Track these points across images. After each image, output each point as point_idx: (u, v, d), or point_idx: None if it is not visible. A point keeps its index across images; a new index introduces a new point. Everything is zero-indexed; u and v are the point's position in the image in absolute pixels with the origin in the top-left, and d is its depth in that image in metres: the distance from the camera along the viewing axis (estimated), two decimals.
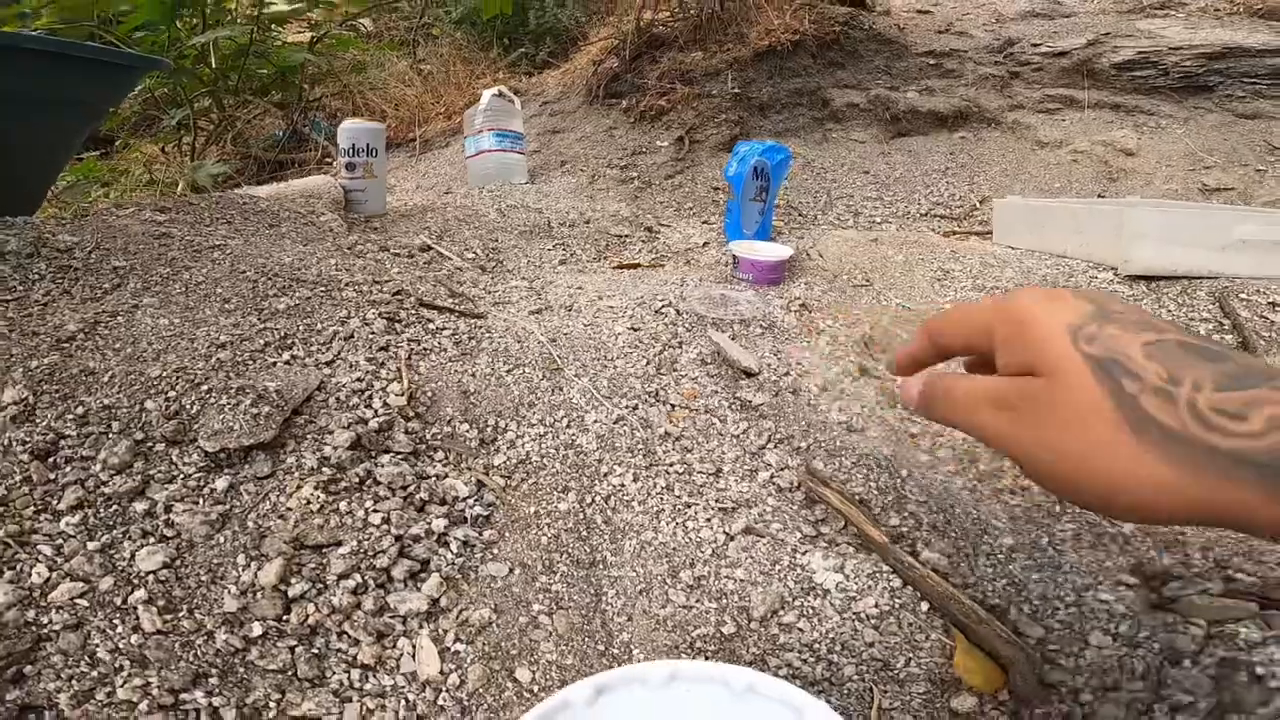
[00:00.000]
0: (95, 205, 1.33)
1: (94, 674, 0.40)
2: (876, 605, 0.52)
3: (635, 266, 1.17)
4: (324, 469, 0.54)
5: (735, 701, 0.38)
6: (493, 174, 1.77)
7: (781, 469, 0.64)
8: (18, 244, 0.70)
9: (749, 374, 0.76)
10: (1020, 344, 0.29)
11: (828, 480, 0.61)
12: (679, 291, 0.92)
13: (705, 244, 1.31)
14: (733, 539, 0.57)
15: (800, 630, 0.51)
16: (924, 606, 0.52)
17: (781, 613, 0.52)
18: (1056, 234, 1.15)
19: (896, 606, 0.52)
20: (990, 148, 1.97)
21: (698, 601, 0.53)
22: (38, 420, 0.50)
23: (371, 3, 2.74)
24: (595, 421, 0.67)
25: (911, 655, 0.50)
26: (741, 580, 0.54)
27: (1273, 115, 1.92)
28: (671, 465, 0.64)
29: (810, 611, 0.52)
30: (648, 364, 0.74)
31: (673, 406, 0.70)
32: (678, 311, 0.86)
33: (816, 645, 0.50)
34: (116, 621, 0.43)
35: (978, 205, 1.69)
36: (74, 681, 0.40)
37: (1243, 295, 0.90)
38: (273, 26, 2.35)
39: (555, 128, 2.19)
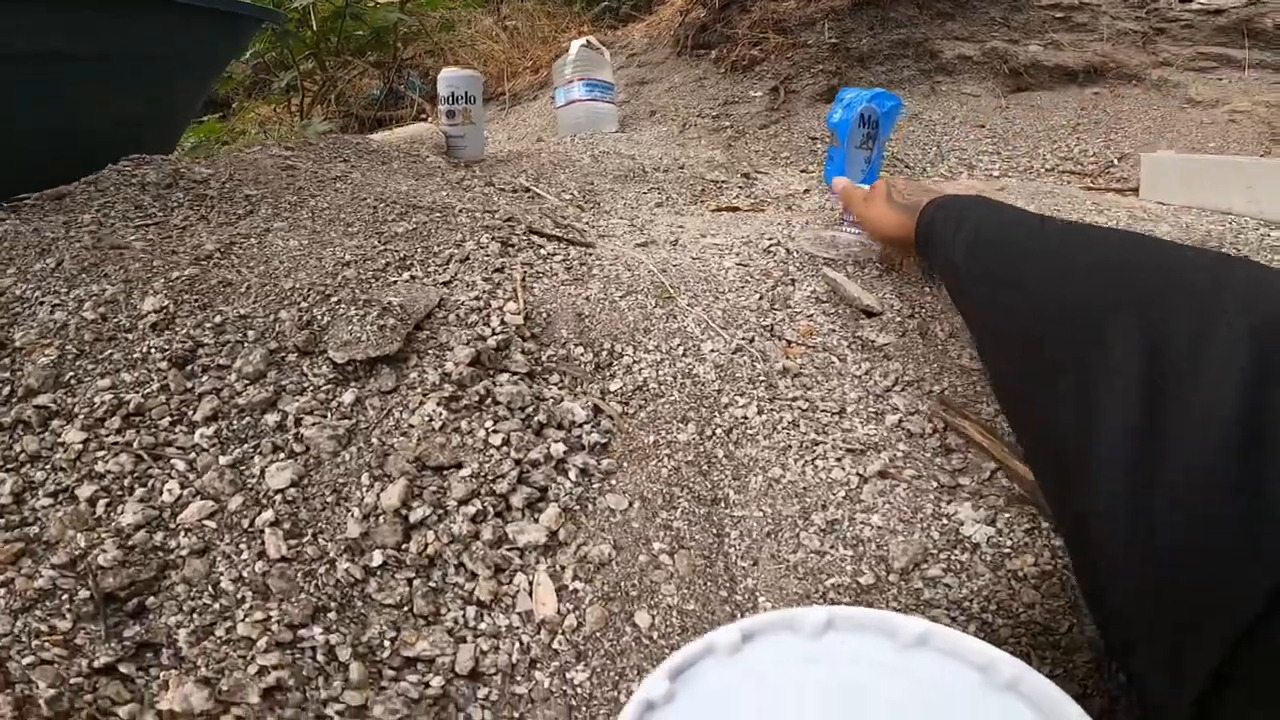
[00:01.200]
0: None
1: (216, 606, 0.39)
2: (1036, 563, 0.46)
3: (735, 209, 1.11)
4: (445, 385, 0.52)
5: (902, 655, 0.33)
6: (583, 123, 1.73)
7: (912, 413, 0.58)
8: (156, 175, 0.71)
9: (870, 313, 0.69)
10: (874, 189, 0.70)
11: (964, 411, 0.55)
12: (786, 231, 0.86)
13: (806, 190, 1.23)
14: (867, 481, 0.52)
15: (948, 586, 0.45)
16: None
17: (925, 565, 0.47)
18: (1218, 190, 1.01)
19: (1060, 566, 0.46)
20: (1130, 105, 1.77)
21: (831, 548, 0.48)
22: (177, 328, 0.51)
23: None
24: (712, 351, 0.63)
25: (1077, 621, 0.44)
26: (879, 527, 0.49)
27: None
28: (794, 400, 0.59)
29: (959, 566, 0.47)
30: (760, 298, 0.69)
31: (789, 342, 0.65)
32: (787, 250, 0.80)
33: (967, 603, 0.45)
34: (243, 546, 0.42)
35: (1115, 162, 1.52)
36: (194, 615, 0.39)
37: None
38: None
39: (643, 79, 2.11)
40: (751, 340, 0.63)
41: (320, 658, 0.38)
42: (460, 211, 0.72)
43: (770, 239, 0.84)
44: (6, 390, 0.46)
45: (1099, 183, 1.41)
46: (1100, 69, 1.89)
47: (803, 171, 1.43)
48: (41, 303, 0.51)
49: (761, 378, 0.60)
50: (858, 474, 0.52)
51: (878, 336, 0.66)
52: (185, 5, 0.81)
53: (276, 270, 0.57)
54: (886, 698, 0.32)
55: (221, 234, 0.64)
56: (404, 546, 0.44)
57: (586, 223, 0.90)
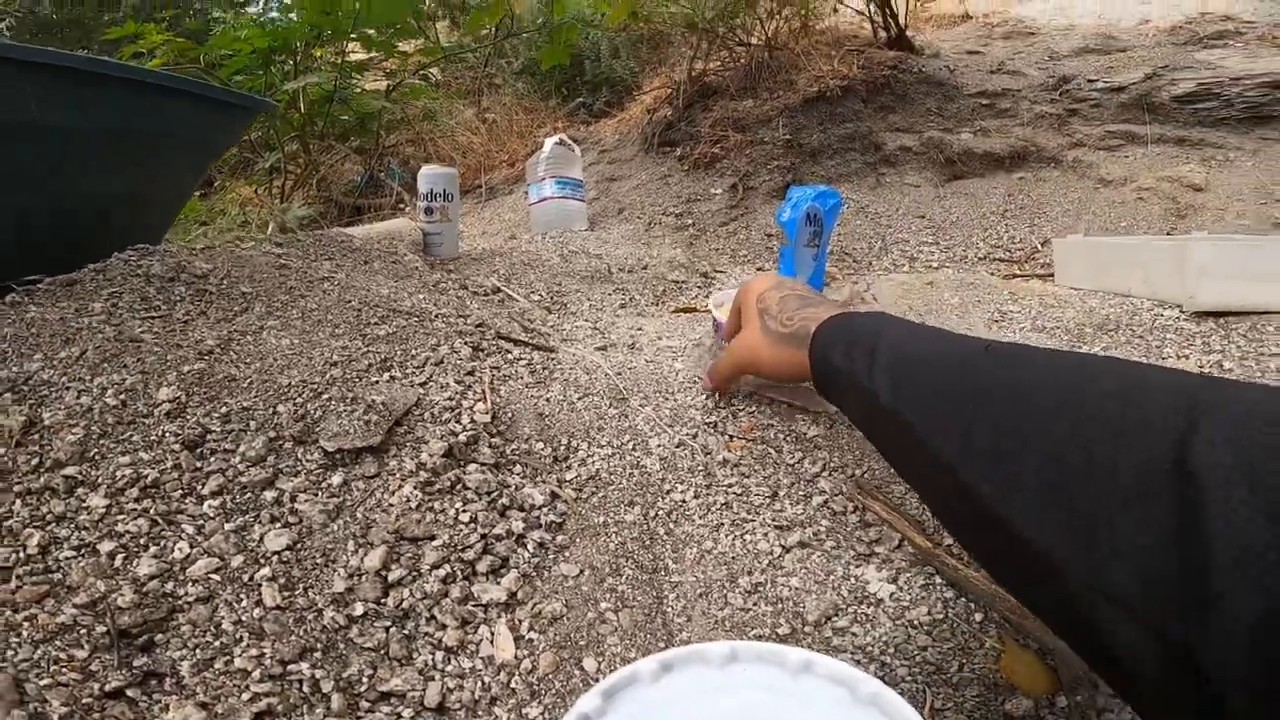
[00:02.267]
0: (201, 241, 1.49)
1: (216, 644, 0.48)
2: (929, 613, 0.56)
3: (692, 310, 1.25)
4: (421, 472, 0.62)
5: (791, 679, 0.43)
6: (554, 220, 1.90)
7: (836, 494, 0.69)
8: (160, 269, 0.83)
9: (804, 410, 0.81)
10: (743, 306, 0.66)
11: (874, 492, 0.66)
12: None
13: None
14: (789, 551, 0.62)
15: (854, 634, 0.55)
16: (977, 617, 0.56)
17: (835, 618, 0.56)
18: (1119, 272, 1.18)
19: (950, 615, 0.56)
20: (1051, 188, 2.00)
21: (754, 605, 0.58)
22: (188, 416, 0.61)
23: (442, 53, 2.98)
24: (658, 445, 0.74)
25: (965, 660, 0.53)
26: (797, 588, 0.59)
27: None
28: (730, 486, 0.70)
29: (864, 617, 0.56)
30: (706, 398, 0.81)
31: (731, 436, 0.76)
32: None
33: (870, 648, 0.54)
34: (242, 596, 0.51)
35: (1039, 247, 1.72)
36: (197, 650, 0.47)
37: None
38: (353, 74, 2.58)
39: (613, 175, 2.33)
40: (694, 436, 0.75)
41: (306, 689, 0.46)
42: (436, 317, 0.84)
43: (713, 346, 0.97)
44: (35, 461, 0.55)
45: (1025, 268, 1.59)
46: (1023, 153, 2.14)
47: (758, 269, 1.59)
48: (68, 388, 0.61)
49: (701, 468, 0.71)
50: (780, 545, 0.63)
51: (810, 429, 0.78)
52: (174, 89, 0.90)
53: (272, 367, 0.68)
54: (778, 715, 0.41)
55: (220, 330, 0.75)
56: (382, 600, 0.53)
57: (552, 326, 1.03)
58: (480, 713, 0.48)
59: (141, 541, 0.52)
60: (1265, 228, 1.67)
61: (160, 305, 0.78)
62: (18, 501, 0.52)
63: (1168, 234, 1.71)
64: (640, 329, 1.06)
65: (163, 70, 1.98)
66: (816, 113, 2.30)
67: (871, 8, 2.55)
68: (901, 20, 2.59)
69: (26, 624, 0.45)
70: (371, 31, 2.20)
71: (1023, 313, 1.10)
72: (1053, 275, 1.37)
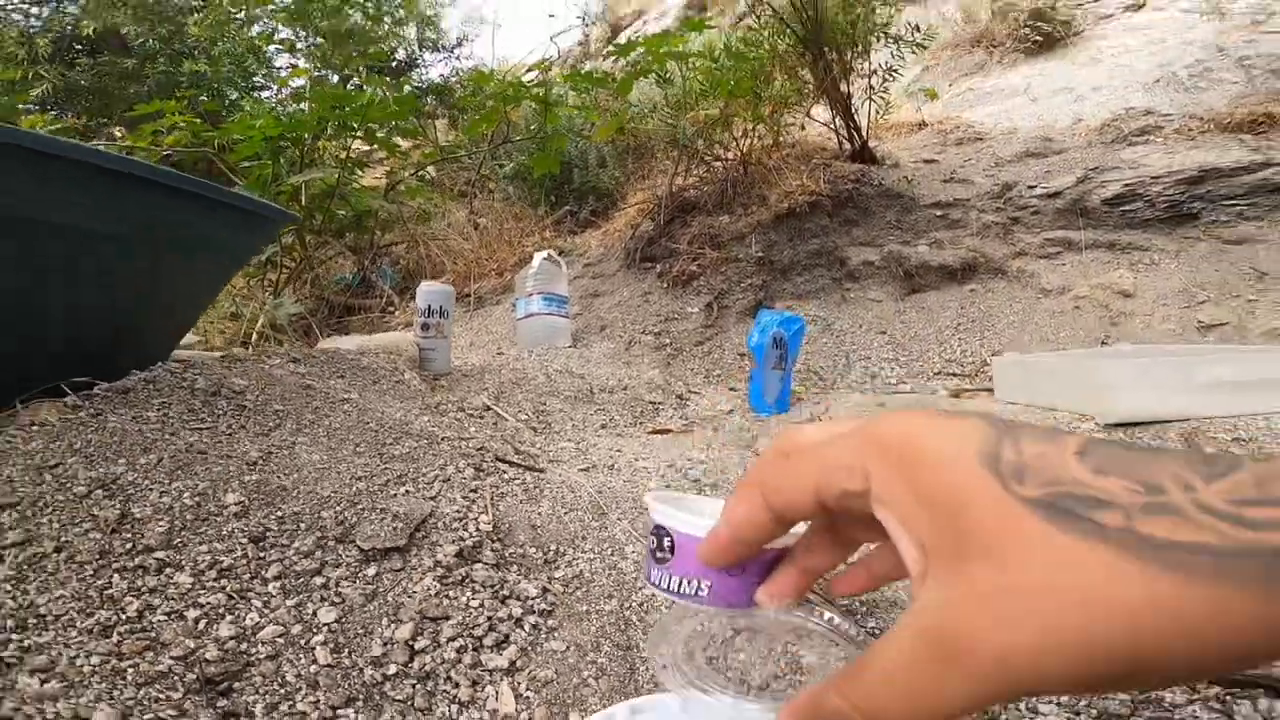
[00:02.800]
0: (244, 351, 1.67)
1: (281, 691, 0.66)
2: None
3: (667, 432, 1.47)
4: (438, 568, 0.82)
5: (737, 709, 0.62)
6: (540, 337, 2.15)
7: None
8: (204, 383, 1.04)
9: None
10: (929, 497, 0.22)
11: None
12: (699, 474, 1.22)
13: (730, 411, 1.63)
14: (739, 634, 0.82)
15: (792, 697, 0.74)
16: None
17: (774, 684, 0.75)
18: (1046, 388, 1.43)
19: None
20: (998, 299, 2.31)
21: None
22: (250, 517, 0.81)
23: (439, 154, 3.32)
24: (632, 551, 0.94)
25: None
26: (744, 660, 0.78)
27: (1256, 238, 2.23)
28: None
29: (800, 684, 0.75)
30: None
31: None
32: (697, 481, 1.15)
33: None
34: (301, 656, 0.70)
35: (987, 361, 1.99)
36: (267, 695, 0.66)
37: (1210, 433, 1.15)
38: (354, 170, 2.74)
39: (596, 290, 2.62)
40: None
41: None
42: (442, 440, 1.06)
43: (690, 464, 1.19)
44: (130, 545, 0.74)
45: (974, 383, 1.85)
46: (973, 264, 2.47)
47: (730, 389, 1.84)
48: (151, 489, 0.81)
49: None
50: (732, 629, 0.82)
51: None
52: (211, 198, 1.06)
53: (309, 478, 0.89)
54: None
55: (260, 443, 0.96)
56: (409, 664, 0.71)
57: (540, 447, 1.25)
58: None
59: (220, 610, 0.71)
60: (1189, 331, 1.96)
61: (206, 417, 0.99)
62: (115, 575, 0.71)
63: (1102, 343, 2.00)
64: (619, 450, 1.28)
65: (178, 150, 2.21)
66: (786, 228, 2.64)
67: (837, 121, 2.96)
68: (864, 132, 3.00)
69: (130, 670, 0.63)
70: (375, 126, 2.39)
71: None
72: (993, 390, 1.62)
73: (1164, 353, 1.53)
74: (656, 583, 0.37)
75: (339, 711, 0.66)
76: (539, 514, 0.94)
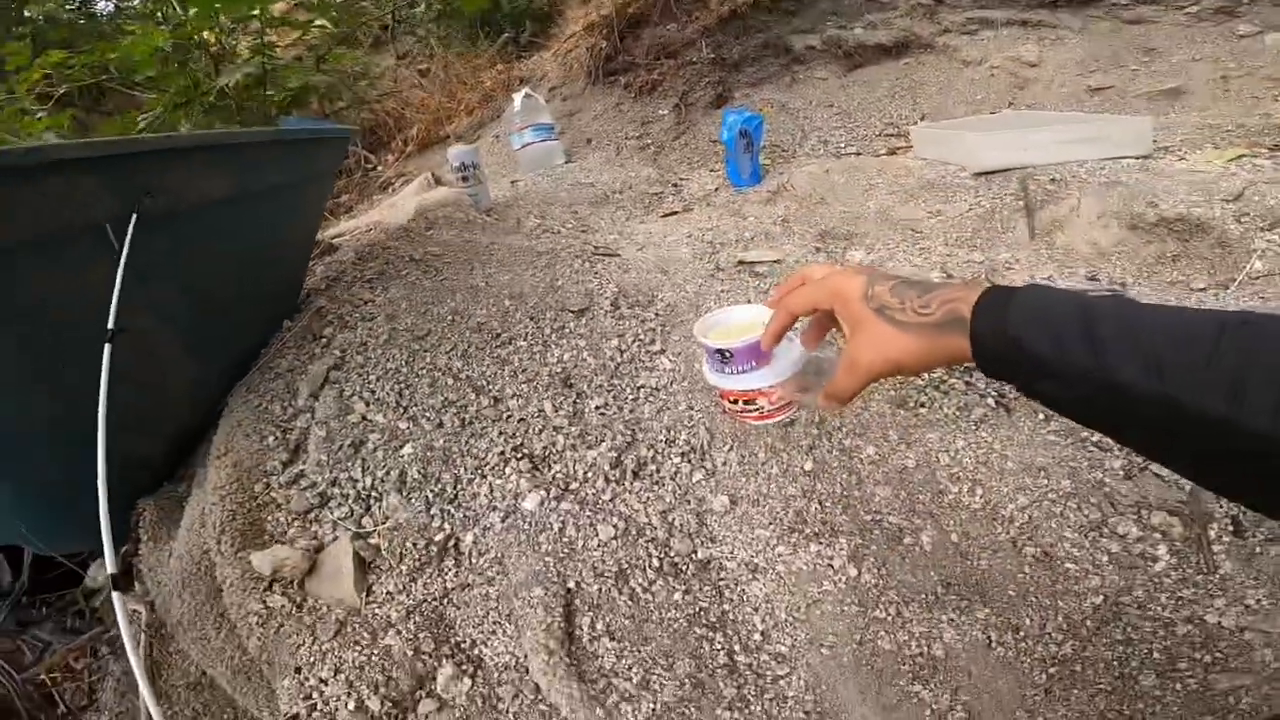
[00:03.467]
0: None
1: (587, 376, 1.39)
2: None
3: (675, 213, 2.14)
4: (608, 313, 1.48)
5: None
6: (539, 161, 2.73)
7: None
8: (417, 254, 1.69)
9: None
10: (845, 310, 0.64)
11: None
12: (711, 238, 1.89)
13: (716, 189, 2.28)
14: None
15: None
16: None
17: None
18: (943, 148, 2.11)
19: None
20: (927, 71, 2.90)
21: None
22: (524, 304, 1.49)
23: (339, 13, 3.57)
24: (693, 290, 1.63)
25: None
26: None
27: (1150, 19, 2.82)
28: (724, 292, 1.61)
29: None
30: (706, 264, 1.72)
31: (722, 274, 1.68)
32: (712, 243, 1.83)
33: None
34: (587, 358, 1.42)
35: (917, 123, 2.64)
36: (582, 379, 1.38)
37: (1036, 177, 1.85)
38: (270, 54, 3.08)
39: (570, 110, 3.13)
40: (708, 277, 1.66)
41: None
42: (563, 249, 1.72)
43: (703, 233, 1.86)
44: (483, 334, 1.43)
45: (904, 143, 2.51)
46: (905, 42, 3.03)
47: (711, 171, 2.47)
48: (459, 311, 1.49)
49: (710, 290, 1.62)
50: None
51: (764, 275, 1.70)
52: (326, 137, 1.67)
53: (515, 284, 1.55)
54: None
55: (475, 277, 1.61)
56: (615, 358, 1.44)
57: (599, 240, 1.91)
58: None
59: (537, 346, 1.41)
60: (1080, 94, 2.60)
61: (432, 272, 1.64)
62: (489, 351, 1.41)
63: (1009, 105, 2.64)
64: (650, 232, 1.95)
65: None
66: (732, 28, 3.12)
67: None
68: None
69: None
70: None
71: (884, 183, 2.03)
72: (912, 150, 2.30)
73: (1017, 121, 2.20)
74: (719, 383, 0.86)
75: (600, 382, 1.35)
76: (633, 280, 1.63)
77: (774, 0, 3.19)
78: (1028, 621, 0.96)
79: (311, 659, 1.00)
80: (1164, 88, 2.49)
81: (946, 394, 1.21)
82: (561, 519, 1.09)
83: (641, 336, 1.42)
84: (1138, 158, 1.88)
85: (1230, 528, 0.97)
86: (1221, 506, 0.99)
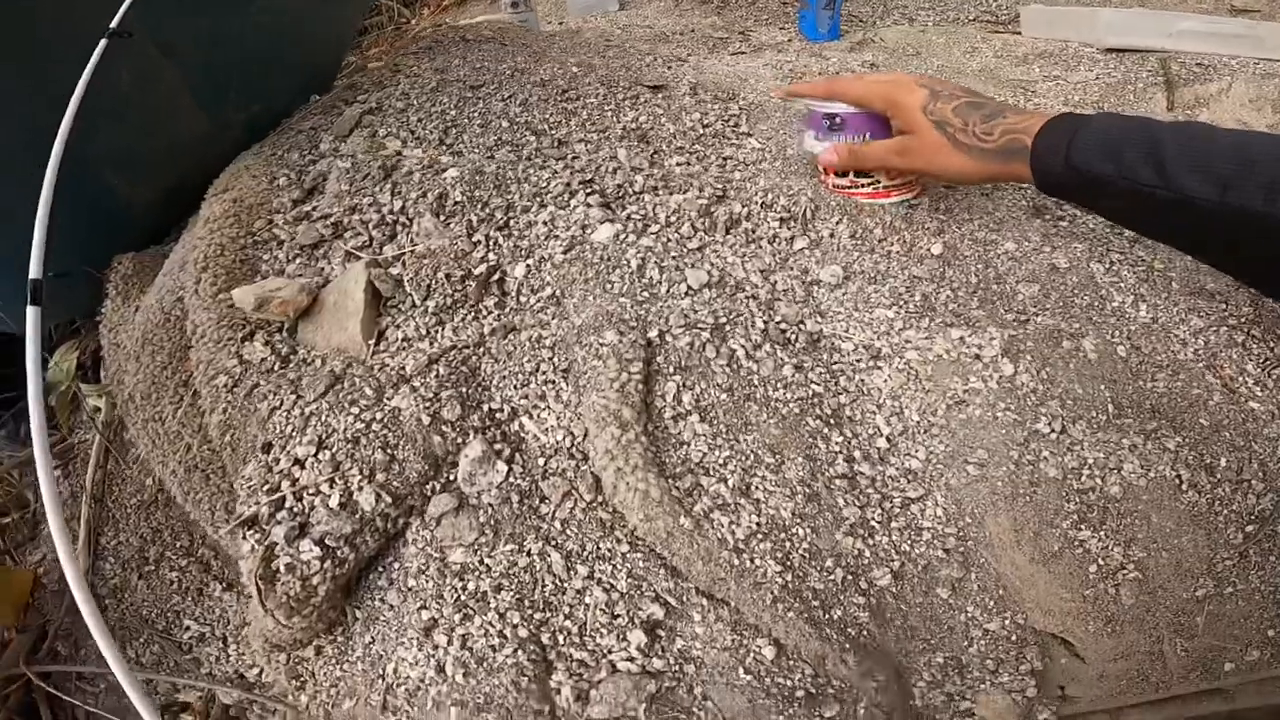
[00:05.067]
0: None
1: (663, 140, 1.15)
2: None
3: (743, 54, 1.88)
4: (687, 95, 1.22)
5: None
6: (591, 5, 2.44)
7: None
8: (475, 37, 1.42)
9: None
10: (902, 117, 0.74)
11: None
12: (790, 69, 1.64)
13: (790, 39, 2.02)
14: None
15: None
16: None
17: None
18: (1065, 28, 1.86)
19: None
20: None
21: None
22: (596, 75, 1.24)
23: None
24: (766, 97, 1.37)
25: None
26: None
27: None
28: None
29: None
30: (783, 80, 1.47)
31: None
32: (793, 72, 1.58)
33: None
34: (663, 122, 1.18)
35: (1020, 14, 2.36)
36: (660, 131, 1.14)
37: (1180, 60, 1.60)
38: None
39: None
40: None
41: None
42: (630, 47, 1.47)
43: (777, 65, 1.61)
44: (544, 107, 1.18)
45: (1006, 29, 2.24)
46: None
47: (781, 28, 2.20)
48: (538, 80, 1.23)
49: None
50: None
51: None
52: None
53: (599, 64, 1.31)
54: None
55: (558, 60, 1.35)
56: (699, 131, 1.20)
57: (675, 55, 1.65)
58: None
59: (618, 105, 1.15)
60: (1219, 13, 2.32)
61: (490, 45, 1.38)
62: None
63: (1140, 3, 2.36)
64: (720, 64, 1.70)
65: None
66: None
67: None
68: None
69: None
70: None
71: (989, 49, 1.78)
72: (1019, 33, 2.04)
73: (1152, 12, 1.95)
74: (822, 139, 0.91)
75: (682, 145, 1.10)
76: (711, 79, 1.37)
77: None
78: (1223, 463, 0.75)
79: (289, 429, 0.75)
80: None
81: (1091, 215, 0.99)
82: (641, 256, 0.85)
83: (725, 118, 1.17)
84: None
85: None
86: None
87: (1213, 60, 1.60)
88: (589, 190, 0.93)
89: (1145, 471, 0.74)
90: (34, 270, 0.71)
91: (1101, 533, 0.73)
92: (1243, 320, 0.86)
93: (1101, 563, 0.72)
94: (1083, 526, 0.73)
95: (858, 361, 0.81)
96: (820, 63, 1.74)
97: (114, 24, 0.82)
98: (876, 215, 0.91)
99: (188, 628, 0.88)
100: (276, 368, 0.81)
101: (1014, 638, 0.73)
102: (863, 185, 0.92)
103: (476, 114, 1.09)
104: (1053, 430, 0.75)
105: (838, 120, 0.89)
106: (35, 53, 0.82)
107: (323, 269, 0.86)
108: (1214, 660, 0.73)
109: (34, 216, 0.71)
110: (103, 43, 0.80)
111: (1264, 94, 1.43)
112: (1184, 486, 0.73)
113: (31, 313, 0.69)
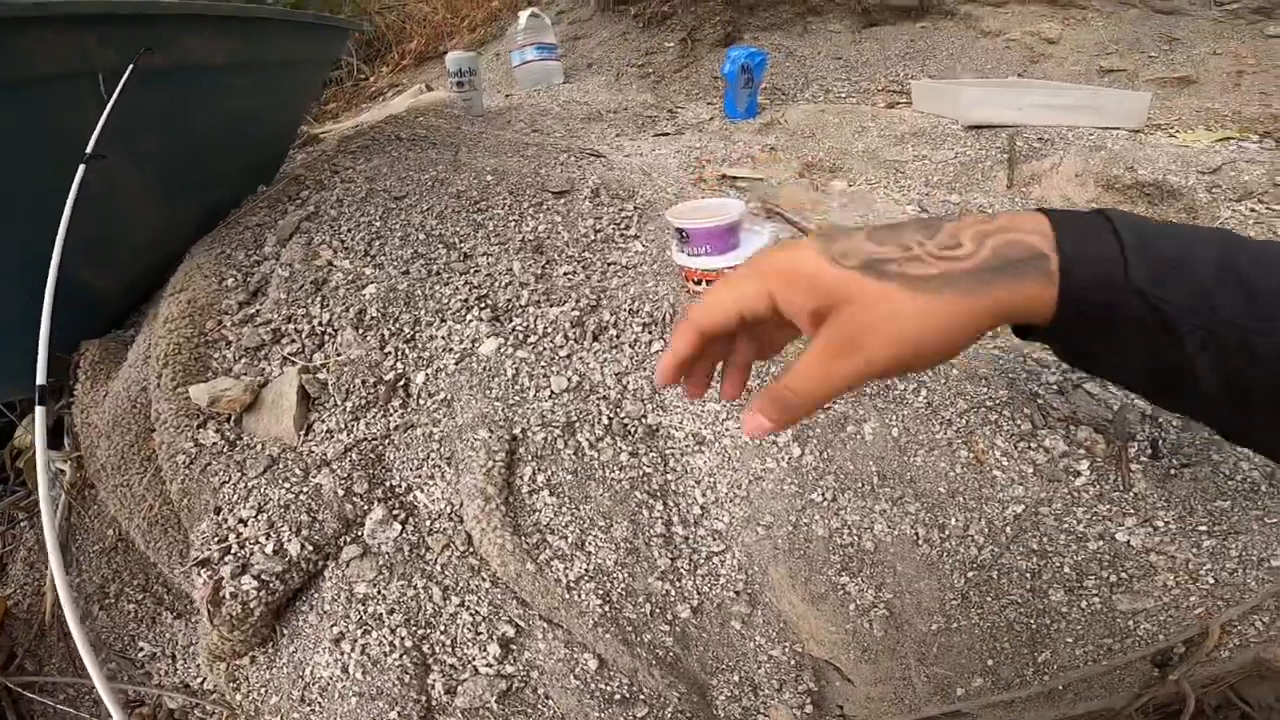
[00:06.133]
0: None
1: (565, 227, 1.38)
2: None
3: (666, 134, 2.12)
4: (587, 200, 1.48)
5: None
6: (538, 78, 2.69)
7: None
8: (407, 134, 1.66)
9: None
10: (808, 290, 0.41)
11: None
12: (697, 155, 1.88)
13: (711, 119, 2.27)
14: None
15: None
16: None
17: None
18: (939, 103, 2.11)
19: None
20: (943, 36, 2.87)
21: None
22: (504, 183, 1.48)
23: None
24: (673, 193, 1.63)
25: None
26: None
27: (1184, 11, 2.80)
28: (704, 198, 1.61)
29: None
30: (690, 174, 1.71)
31: (705, 185, 1.67)
32: (698, 159, 1.83)
33: None
34: (559, 232, 1.41)
35: (912, 87, 2.62)
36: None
37: (1025, 134, 1.85)
38: None
39: (576, 34, 3.08)
40: (681, 189, 1.66)
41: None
42: (550, 145, 1.71)
43: (690, 152, 1.85)
44: (465, 197, 1.42)
45: (903, 99, 2.50)
46: (925, 7, 3.00)
47: (709, 104, 2.45)
48: (447, 178, 1.47)
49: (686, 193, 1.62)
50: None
51: (743, 189, 1.69)
52: (328, 24, 1.71)
53: (500, 168, 1.54)
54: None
55: (458, 155, 1.60)
56: (590, 237, 1.44)
57: (587, 145, 1.90)
58: None
59: (518, 216, 1.40)
60: (1091, 74, 2.59)
61: (417, 148, 1.62)
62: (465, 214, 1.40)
63: (1018, 75, 2.63)
64: (638, 147, 1.94)
65: None
66: None
67: None
68: None
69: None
70: None
71: (876, 127, 2.03)
72: (912, 104, 2.29)
73: (1011, 85, 2.21)
74: (678, 261, 1.16)
75: (572, 254, 1.35)
76: (616, 177, 1.61)
77: None
78: (953, 521, 0.98)
79: (234, 498, 0.99)
80: (1176, 75, 2.48)
81: None
82: (516, 366, 1.10)
83: (618, 221, 1.43)
84: (1129, 131, 1.89)
85: (1148, 450, 1.00)
86: (1144, 428, 1.02)
87: (1053, 134, 1.84)
88: (482, 305, 1.18)
89: (891, 529, 0.97)
90: (40, 377, 0.93)
91: (859, 578, 0.95)
92: (999, 402, 1.10)
93: (859, 603, 0.95)
94: (844, 573, 0.95)
95: (686, 447, 1.04)
96: (727, 145, 1.98)
97: (89, 150, 1.01)
98: None
99: (141, 648, 1.10)
100: (225, 450, 1.03)
101: (793, 662, 0.95)
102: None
103: (398, 225, 1.35)
104: (824, 499, 0.98)
105: (684, 234, 1.14)
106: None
107: (264, 369, 1.08)
108: (949, 686, 0.95)
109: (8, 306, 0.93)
110: (81, 168, 1.00)
111: (1089, 168, 1.67)
112: (919, 541, 0.96)
113: (39, 412, 0.91)
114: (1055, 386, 1.08)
